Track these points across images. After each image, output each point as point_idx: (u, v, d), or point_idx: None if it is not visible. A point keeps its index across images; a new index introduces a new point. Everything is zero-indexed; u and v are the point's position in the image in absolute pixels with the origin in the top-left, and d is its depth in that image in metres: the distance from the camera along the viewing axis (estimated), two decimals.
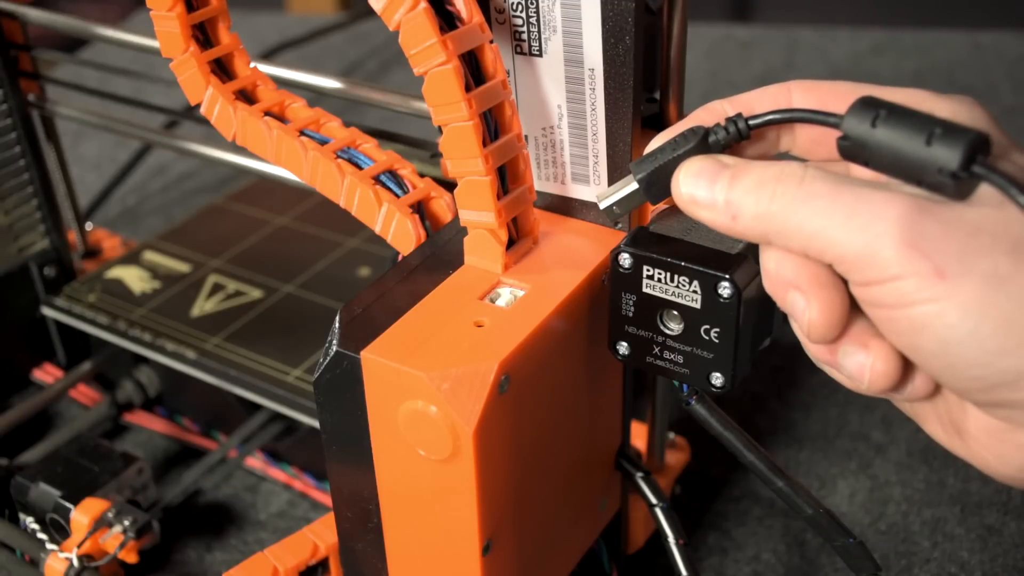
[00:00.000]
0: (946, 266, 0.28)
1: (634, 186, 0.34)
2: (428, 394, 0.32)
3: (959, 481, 0.55)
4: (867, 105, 0.31)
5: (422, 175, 0.42)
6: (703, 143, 0.33)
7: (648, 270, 0.35)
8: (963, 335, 0.28)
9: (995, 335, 0.28)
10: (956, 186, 0.29)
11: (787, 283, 0.31)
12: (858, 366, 0.32)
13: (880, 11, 1.81)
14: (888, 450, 0.57)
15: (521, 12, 0.37)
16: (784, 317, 0.37)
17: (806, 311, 0.31)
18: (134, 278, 0.62)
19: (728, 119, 0.33)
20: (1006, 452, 0.30)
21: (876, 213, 0.29)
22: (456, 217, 0.40)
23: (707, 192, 0.32)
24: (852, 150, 0.31)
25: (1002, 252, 0.28)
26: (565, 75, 0.37)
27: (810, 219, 0.30)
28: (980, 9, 1.64)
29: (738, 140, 0.33)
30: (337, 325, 0.35)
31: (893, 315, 0.29)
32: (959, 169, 0.28)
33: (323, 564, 0.46)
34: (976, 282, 0.28)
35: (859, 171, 0.32)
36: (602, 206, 0.35)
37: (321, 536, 0.46)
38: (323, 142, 0.42)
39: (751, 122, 0.33)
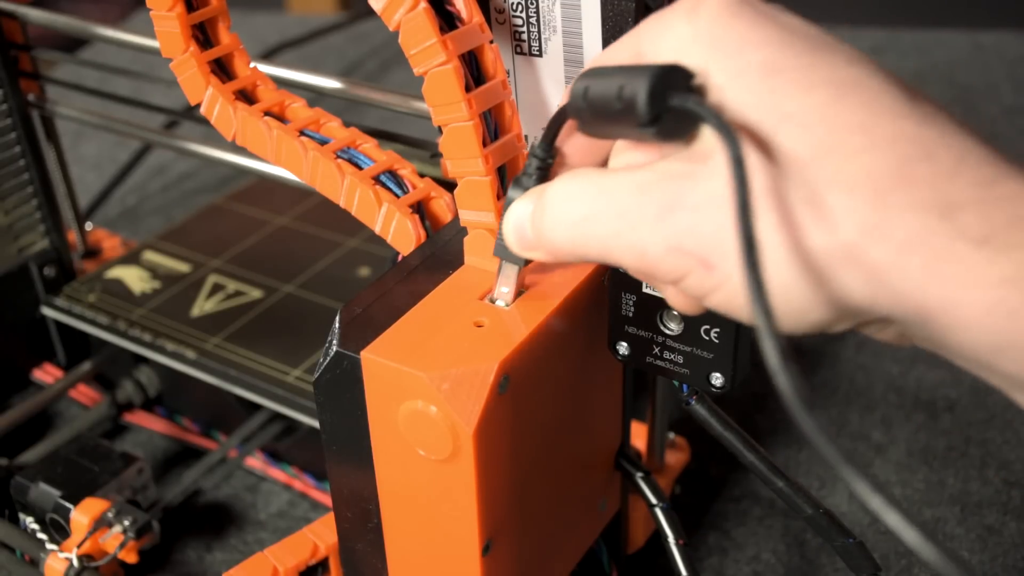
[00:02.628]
0: (709, 256, 0.28)
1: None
2: (428, 394, 0.32)
3: (959, 481, 0.55)
4: (581, 79, 0.30)
5: (422, 175, 0.42)
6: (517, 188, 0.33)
7: None
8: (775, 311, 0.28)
9: (792, 299, 0.27)
10: (659, 130, 0.28)
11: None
12: None
13: (880, 11, 1.81)
14: (888, 450, 0.57)
15: (521, 12, 0.37)
16: None
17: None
18: (134, 278, 0.62)
19: (529, 154, 0.33)
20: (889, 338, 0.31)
21: (634, 225, 0.29)
22: (456, 217, 0.40)
23: (519, 249, 0.33)
24: (584, 128, 0.31)
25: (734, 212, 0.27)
26: (565, 75, 0.38)
27: (592, 248, 0.31)
28: (980, 9, 1.64)
29: (547, 168, 0.33)
30: (337, 325, 0.35)
31: (707, 303, 0.29)
32: (647, 107, 0.27)
33: (323, 564, 0.46)
34: (739, 260, 0.27)
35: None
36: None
37: (321, 536, 0.46)
38: (323, 142, 0.42)
39: (537, 151, 0.33)
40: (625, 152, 0.32)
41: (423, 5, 0.33)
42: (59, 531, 0.50)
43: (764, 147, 0.27)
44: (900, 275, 0.26)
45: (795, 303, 0.27)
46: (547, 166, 0.33)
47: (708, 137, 0.28)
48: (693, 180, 0.28)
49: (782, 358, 0.25)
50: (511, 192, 0.33)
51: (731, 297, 0.28)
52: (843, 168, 0.26)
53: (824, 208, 0.26)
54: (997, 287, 0.24)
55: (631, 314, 0.36)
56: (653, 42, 0.30)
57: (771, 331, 0.25)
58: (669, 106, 0.27)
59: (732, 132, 0.26)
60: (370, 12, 0.34)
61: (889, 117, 0.26)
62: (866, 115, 0.26)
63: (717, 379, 0.35)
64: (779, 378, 0.25)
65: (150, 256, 0.64)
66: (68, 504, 0.49)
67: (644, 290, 0.35)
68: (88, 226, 0.71)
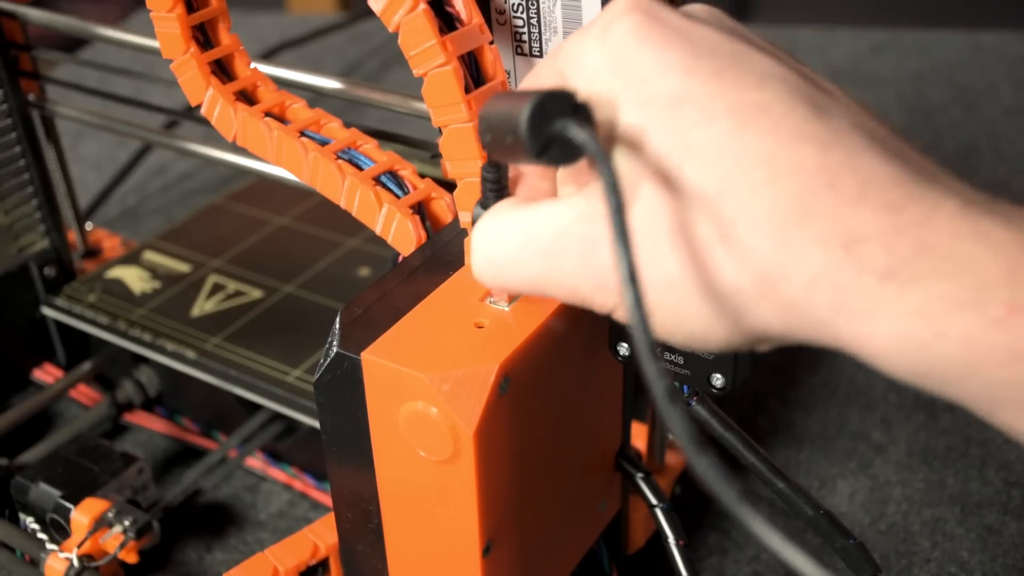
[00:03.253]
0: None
1: None
2: (428, 395, 0.32)
3: (959, 481, 0.55)
4: (483, 108, 0.30)
5: (422, 176, 0.42)
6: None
7: None
8: (685, 337, 0.28)
9: (709, 329, 0.28)
10: (549, 159, 0.27)
11: None
12: None
13: (880, 11, 1.81)
14: (888, 450, 0.57)
15: (522, 13, 0.37)
16: None
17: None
18: (134, 278, 0.62)
19: (482, 177, 0.33)
20: None
21: (560, 265, 0.29)
22: (457, 218, 0.40)
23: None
24: (496, 158, 0.31)
25: (649, 247, 0.27)
26: None
27: (524, 287, 0.31)
28: (980, 9, 1.64)
29: (502, 189, 0.33)
30: (337, 326, 0.35)
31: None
32: (528, 137, 0.27)
33: (323, 564, 0.46)
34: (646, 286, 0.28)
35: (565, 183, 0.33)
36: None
37: (321, 536, 0.46)
38: (323, 143, 0.42)
39: (487, 174, 0.33)
40: (568, 179, 0.32)
41: (423, 6, 0.33)
42: (59, 531, 0.50)
43: (672, 181, 0.27)
44: (808, 310, 0.25)
45: (713, 332, 0.28)
46: (501, 186, 0.33)
47: (618, 164, 0.28)
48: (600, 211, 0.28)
49: (666, 391, 0.25)
50: (475, 215, 0.33)
51: (659, 325, 0.28)
52: (747, 203, 0.26)
53: (734, 243, 0.26)
54: (904, 320, 0.24)
55: None
56: (570, 63, 0.30)
57: (651, 360, 0.25)
58: (552, 134, 0.27)
59: (607, 159, 0.26)
60: (370, 12, 0.34)
61: (791, 144, 0.26)
62: (768, 145, 0.26)
63: (718, 380, 0.35)
64: (665, 413, 0.25)
65: (150, 256, 0.64)
66: (68, 504, 0.49)
67: None
68: (88, 226, 0.71)
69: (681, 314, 0.28)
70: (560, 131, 0.27)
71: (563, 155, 0.27)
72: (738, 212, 0.26)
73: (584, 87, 0.29)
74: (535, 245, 0.30)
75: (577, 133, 0.27)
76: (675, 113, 0.27)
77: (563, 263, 0.29)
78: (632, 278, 0.25)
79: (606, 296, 0.29)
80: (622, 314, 0.29)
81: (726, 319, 0.27)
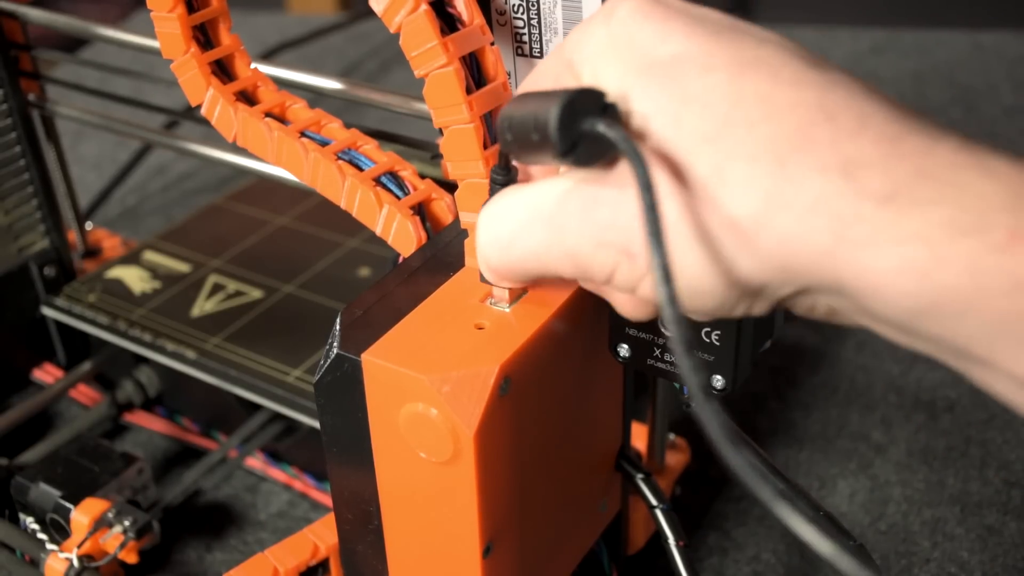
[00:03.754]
0: (630, 245, 0.28)
1: None
2: (429, 397, 0.32)
3: (959, 481, 0.55)
4: (506, 107, 0.30)
5: (423, 176, 0.42)
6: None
7: None
8: (687, 297, 0.28)
9: (704, 282, 0.28)
10: (578, 158, 0.28)
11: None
12: None
13: (880, 11, 1.81)
14: (888, 450, 0.57)
15: (522, 14, 0.37)
16: (785, 318, 0.37)
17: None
18: (134, 278, 0.62)
19: (491, 179, 0.33)
20: None
21: (562, 231, 0.30)
22: (457, 219, 0.40)
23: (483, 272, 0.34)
24: (517, 158, 0.31)
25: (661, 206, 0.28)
26: None
27: (528, 264, 0.32)
28: (980, 9, 1.64)
29: (509, 179, 0.33)
30: (338, 327, 0.35)
31: (640, 295, 0.30)
32: (558, 137, 0.27)
33: (323, 565, 0.46)
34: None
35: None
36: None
37: (321, 537, 0.46)
38: (324, 143, 0.42)
39: (497, 176, 0.33)
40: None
41: (424, 7, 0.33)
42: (59, 531, 0.50)
43: (670, 133, 0.27)
44: (808, 241, 0.25)
45: (708, 284, 0.28)
46: (511, 179, 0.33)
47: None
48: (608, 176, 0.29)
49: (686, 346, 0.25)
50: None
51: (655, 284, 0.28)
52: (745, 139, 0.26)
53: (728, 182, 0.26)
54: (904, 246, 0.24)
55: None
56: (577, 50, 0.30)
57: (677, 317, 0.25)
58: (581, 132, 0.27)
59: (641, 156, 0.26)
60: (370, 12, 0.34)
61: (790, 86, 0.26)
62: (767, 87, 0.26)
63: (718, 381, 0.35)
64: (682, 366, 0.25)
65: (150, 256, 0.64)
66: (68, 504, 0.49)
67: None
68: (88, 226, 0.71)
69: (676, 264, 0.27)
70: (590, 130, 0.27)
71: (590, 154, 0.28)
72: (736, 148, 0.26)
73: (590, 69, 0.30)
74: (538, 216, 0.30)
75: (610, 131, 0.27)
76: (675, 72, 0.28)
77: (565, 227, 0.30)
78: (666, 276, 0.26)
79: (606, 255, 0.29)
80: (622, 274, 0.29)
81: (720, 268, 0.27)
